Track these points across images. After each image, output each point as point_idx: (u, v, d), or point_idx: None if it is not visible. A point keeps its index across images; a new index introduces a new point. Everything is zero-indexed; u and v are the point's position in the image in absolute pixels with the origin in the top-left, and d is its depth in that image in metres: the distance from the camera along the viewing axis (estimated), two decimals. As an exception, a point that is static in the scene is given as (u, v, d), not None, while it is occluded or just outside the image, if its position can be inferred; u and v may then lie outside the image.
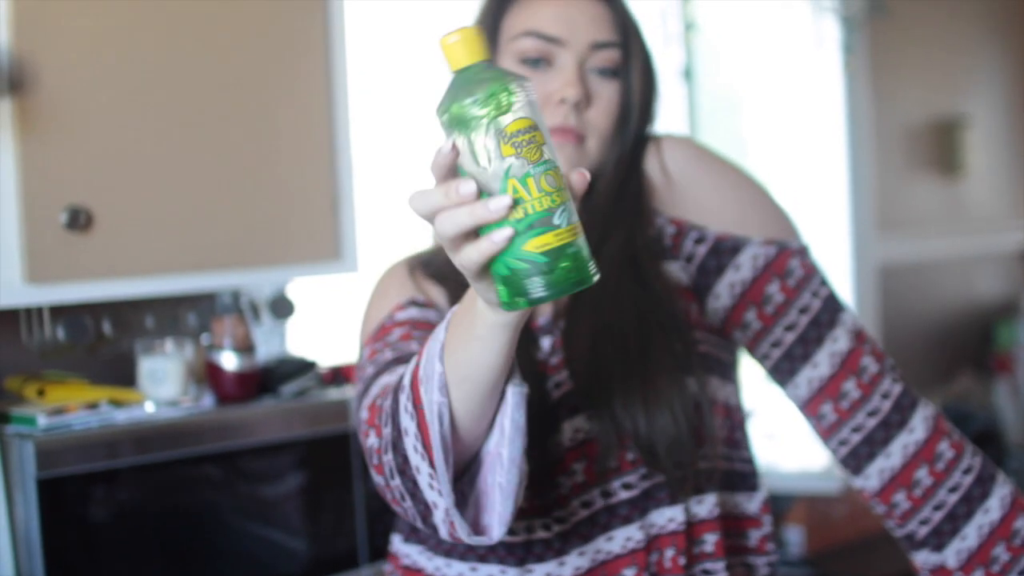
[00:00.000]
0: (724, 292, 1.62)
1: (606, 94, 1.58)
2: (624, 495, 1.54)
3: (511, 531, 1.51)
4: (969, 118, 4.50)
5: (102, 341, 2.34)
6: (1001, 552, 1.56)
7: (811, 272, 1.63)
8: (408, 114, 2.97)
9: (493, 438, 1.28)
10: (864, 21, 4.03)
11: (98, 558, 2.03)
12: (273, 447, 2.23)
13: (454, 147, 1.07)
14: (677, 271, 1.63)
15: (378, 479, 1.35)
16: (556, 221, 1.07)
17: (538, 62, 1.56)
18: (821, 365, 1.60)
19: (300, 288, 2.66)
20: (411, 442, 1.26)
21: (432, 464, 1.25)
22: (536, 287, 1.08)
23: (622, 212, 1.61)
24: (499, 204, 1.05)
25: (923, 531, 1.58)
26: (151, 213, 2.16)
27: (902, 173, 4.24)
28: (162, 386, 2.22)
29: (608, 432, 1.52)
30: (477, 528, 1.30)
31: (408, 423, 1.26)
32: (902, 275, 4.29)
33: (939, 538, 1.58)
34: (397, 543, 1.67)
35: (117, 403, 2.14)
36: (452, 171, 1.08)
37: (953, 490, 1.58)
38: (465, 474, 1.32)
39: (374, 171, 2.83)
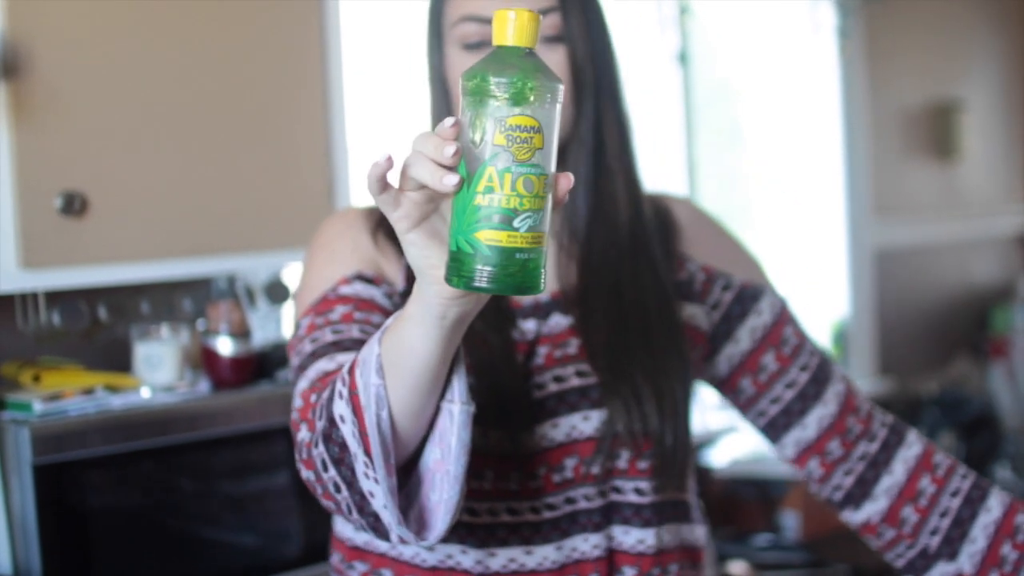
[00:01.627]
0: (745, 336, 1.65)
1: (552, 61, 1.52)
2: (634, 499, 1.53)
3: (472, 511, 1.49)
4: (965, 102, 4.50)
5: (97, 326, 2.34)
6: (1009, 551, 1.57)
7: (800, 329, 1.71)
8: (403, 95, 2.96)
9: (434, 453, 1.27)
10: (860, 6, 4.02)
11: (94, 543, 2.03)
12: (270, 432, 2.22)
13: (456, 123, 1.07)
14: (701, 316, 1.65)
15: (307, 473, 1.33)
16: (516, 224, 1.07)
17: (480, 45, 1.53)
18: (810, 427, 1.64)
19: (296, 273, 2.66)
20: (348, 429, 1.25)
21: (368, 452, 1.24)
22: (477, 275, 1.08)
23: (609, 174, 1.59)
24: (450, 180, 1.05)
25: (935, 542, 1.59)
26: (146, 198, 2.15)
27: (898, 157, 4.24)
28: (158, 371, 2.21)
29: (625, 433, 1.51)
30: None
31: (344, 410, 1.24)
32: (898, 259, 4.29)
33: (951, 545, 1.58)
34: (341, 524, 1.61)
35: (113, 389, 2.14)
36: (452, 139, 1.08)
37: (954, 495, 1.60)
38: (403, 487, 1.30)
39: (370, 155, 2.83)
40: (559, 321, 1.56)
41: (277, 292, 2.55)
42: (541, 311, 1.57)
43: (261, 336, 2.51)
